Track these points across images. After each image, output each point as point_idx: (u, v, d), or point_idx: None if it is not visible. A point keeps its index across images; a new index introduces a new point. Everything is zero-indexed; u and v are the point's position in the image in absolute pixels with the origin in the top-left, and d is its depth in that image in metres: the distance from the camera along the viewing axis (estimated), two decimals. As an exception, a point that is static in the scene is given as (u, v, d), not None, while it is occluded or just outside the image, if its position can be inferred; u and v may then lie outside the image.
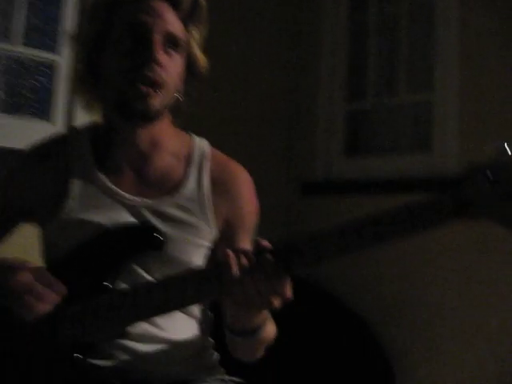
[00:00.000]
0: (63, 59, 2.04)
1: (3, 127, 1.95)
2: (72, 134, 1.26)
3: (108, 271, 1.08)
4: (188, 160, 1.23)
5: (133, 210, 1.16)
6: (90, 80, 1.19)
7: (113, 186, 1.17)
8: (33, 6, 2.03)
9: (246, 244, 1.20)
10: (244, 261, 0.94)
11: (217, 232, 1.20)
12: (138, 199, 1.17)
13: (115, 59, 1.13)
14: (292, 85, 2.69)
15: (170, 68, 1.13)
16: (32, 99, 2.03)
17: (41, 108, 2.06)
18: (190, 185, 1.20)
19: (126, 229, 1.12)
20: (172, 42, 1.14)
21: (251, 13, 2.57)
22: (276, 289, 0.94)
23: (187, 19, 1.17)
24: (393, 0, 2.49)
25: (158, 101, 1.12)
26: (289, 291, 0.96)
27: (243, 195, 1.24)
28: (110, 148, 1.20)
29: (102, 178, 1.18)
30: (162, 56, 1.11)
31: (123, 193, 1.17)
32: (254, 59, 2.58)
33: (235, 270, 0.94)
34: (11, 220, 1.25)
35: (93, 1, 1.21)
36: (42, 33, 2.05)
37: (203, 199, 1.19)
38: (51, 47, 2.03)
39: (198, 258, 1.18)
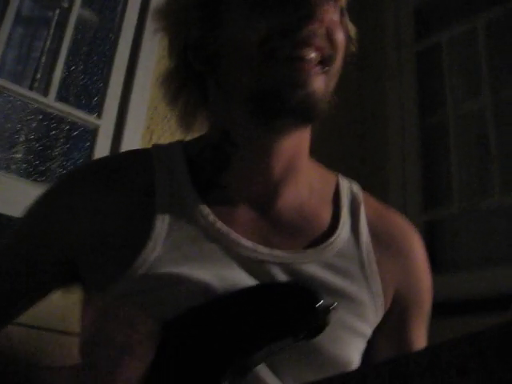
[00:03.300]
0: (107, 124, 1.65)
1: (28, 197, 1.49)
2: (157, 150, 0.81)
3: (222, 370, 0.60)
4: (335, 201, 0.80)
5: (256, 265, 0.71)
6: (196, 74, 0.77)
7: (224, 227, 0.73)
8: (79, 62, 1.70)
9: (421, 337, 0.77)
10: None
11: (382, 311, 0.76)
12: (264, 250, 0.73)
13: (244, 21, 0.70)
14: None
15: (337, 29, 0.72)
16: (65, 166, 1.60)
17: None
18: (343, 235, 0.77)
19: (263, 293, 0.66)
20: None
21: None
22: None
23: None
24: (471, 95, 2.23)
25: (324, 85, 0.70)
26: None
27: (419, 258, 0.81)
28: (221, 172, 0.75)
29: (208, 213, 0.73)
30: (325, 10, 0.69)
31: (241, 238, 0.73)
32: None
33: None
34: (44, 281, 0.78)
35: None
36: (86, 92, 1.69)
37: (363, 257, 0.76)
38: (94, 109, 1.66)
39: (355, 354, 0.72)
